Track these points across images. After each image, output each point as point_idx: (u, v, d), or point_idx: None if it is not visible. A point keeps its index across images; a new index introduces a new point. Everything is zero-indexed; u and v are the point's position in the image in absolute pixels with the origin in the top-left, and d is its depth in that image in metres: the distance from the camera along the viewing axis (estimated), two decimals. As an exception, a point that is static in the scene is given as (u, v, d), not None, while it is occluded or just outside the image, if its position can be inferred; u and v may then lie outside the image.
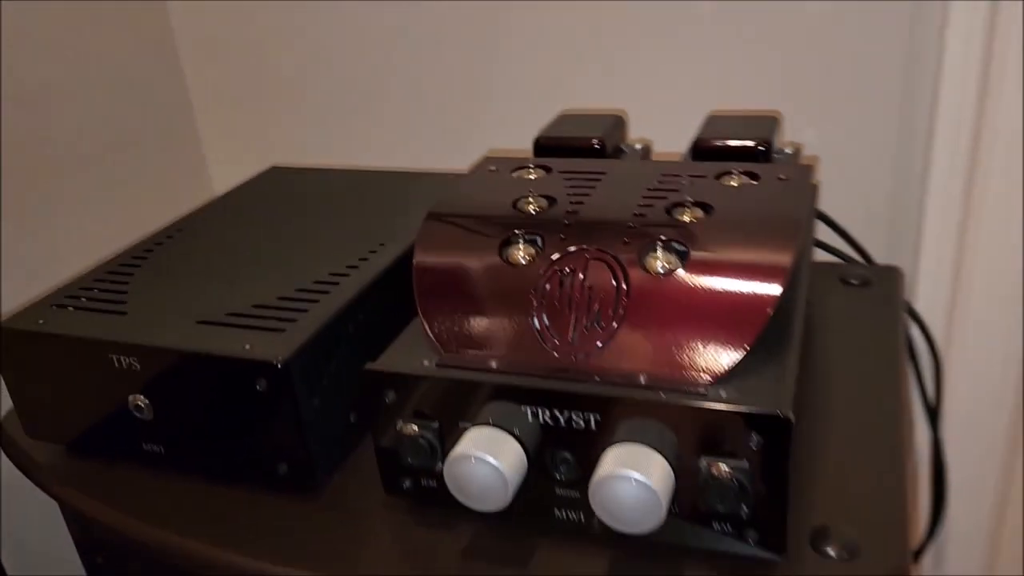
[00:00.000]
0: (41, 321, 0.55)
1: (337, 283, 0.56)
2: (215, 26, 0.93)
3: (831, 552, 0.45)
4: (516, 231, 0.49)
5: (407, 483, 0.49)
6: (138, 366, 0.52)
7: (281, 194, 0.74)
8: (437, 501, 0.49)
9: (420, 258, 0.50)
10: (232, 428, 0.52)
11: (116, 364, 0.52)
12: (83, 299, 0.58)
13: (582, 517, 0.46)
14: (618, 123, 0.63)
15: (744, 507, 0.42)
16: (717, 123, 0.60)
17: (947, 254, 0.73)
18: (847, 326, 0.65)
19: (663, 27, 0.77)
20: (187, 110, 0.98)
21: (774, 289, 0.44)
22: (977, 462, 0.79)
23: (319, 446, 0.52)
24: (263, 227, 0.67)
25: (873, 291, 0.70)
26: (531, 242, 0.48)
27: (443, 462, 0.46)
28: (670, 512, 0.42)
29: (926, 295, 0.75)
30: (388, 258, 0.59)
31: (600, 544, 0.47)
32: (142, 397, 0.53)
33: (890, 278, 0.72)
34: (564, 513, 0.47)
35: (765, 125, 0.58)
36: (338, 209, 0.69)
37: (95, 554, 0.64)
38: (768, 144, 0.55)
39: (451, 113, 0.88)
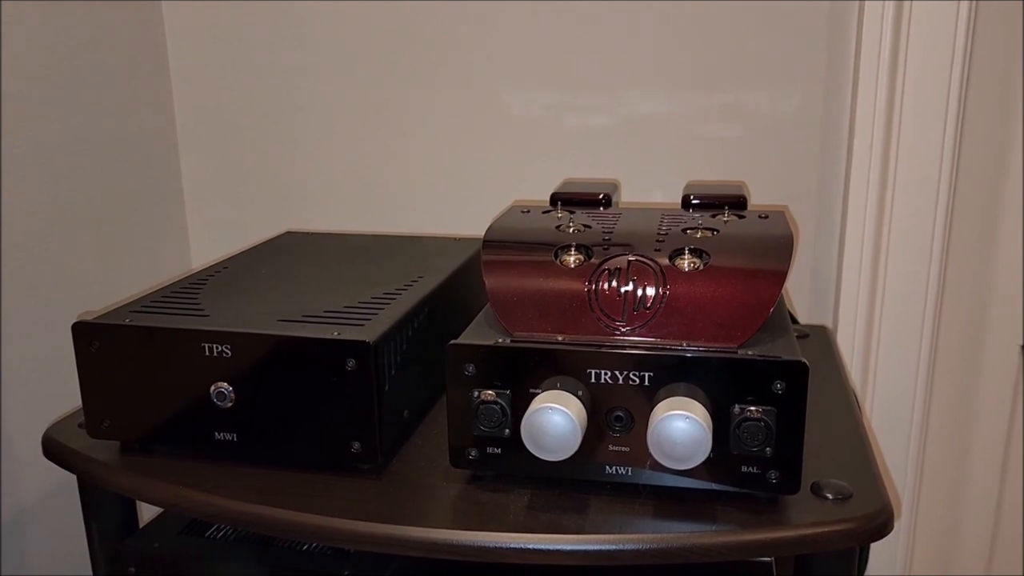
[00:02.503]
0: (128, 320, 0.61)
1: (394, 298, 0.65)
2: (214, 108, 1.04)
3: (829, 496, 0.55)
4: (565, 244, 0.60)
5: (473, 453, 0.57)
6: (229, 353, 0.58)
7: (305, 248, 0.83)
8: (500, 468, 0.57)
9: (488, 257, 0.60)
10: (311, 410, 0.58)
11: (207, 352, 0.58)
12: (159, 307, 0.64)
13: (630, 471, 0.55)
14: (616, 186, 0.77)
15: (768, 449, 0.53)
16: (696, 186, 0.74)
17: (861, 315, 0.90)
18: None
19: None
20: (176, 184, 1.06)
21: (779, 281, 0.56)
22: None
23: (388, 426, 0.59)
24: (301, 265, 0.75)
25: (811, 342, 0.85)
26: (580, 250, 0.60)
27: (511, 428, 0.55)
28: (708, 457, 0.52)
29: (844, 348, 0.91)
30: (432, 283, 0.69)
31: (645, 496, 0.56)
32: (226, 384, 0.59)
33: (822, 334, 0.88)
34: (615, 469, 0.56)
35: (737, 186, 0.73)
36: (363, 258, 0.78)
37: (126, 566, 0.66)
38: (743, 198, 0.70)
39: (431, 189, 1.01)
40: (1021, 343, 0.94)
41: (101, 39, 0.92)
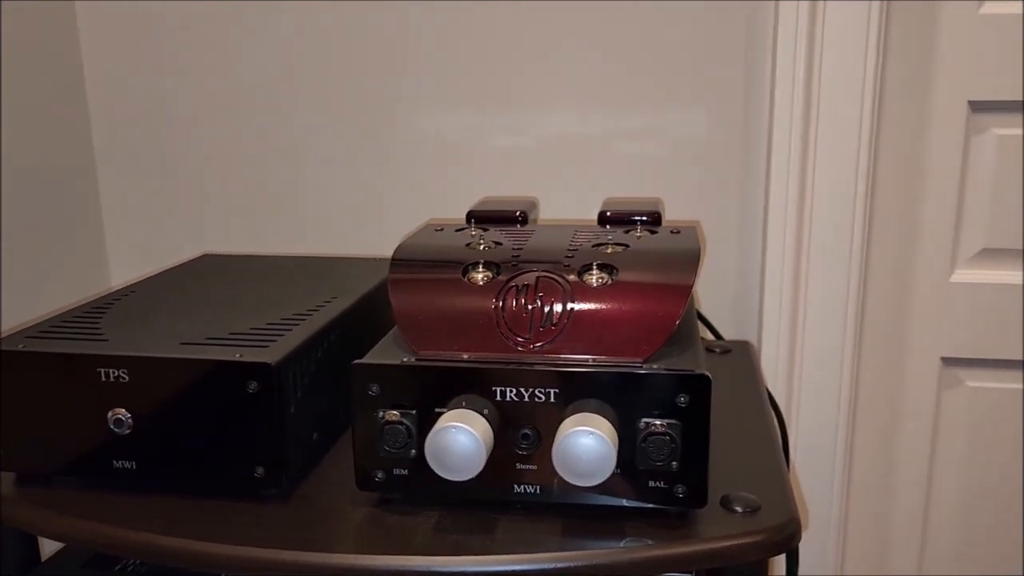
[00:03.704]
0: (21, 345, 0.59)
1: (305, 319, 0.64)
2: (133, 131, 1.02)
3: (738, 509, 0.55)
4: (474, 261, 0.60)
5: (379, 475, 0.56)
6: (126, 377, 0.56)
7: (221, 269, 0.81)
8: (407, 489, 0.56)
9: (395, 276, 0.59)
10: (213, 435, 0.57)
11: (103, 378, 0.57)
12: (57, 332, 0.62)
13: (539, 489, 0.55)
14: (533, 204, 0.77)
15: (674, 463, 0.53)
16: (613, 203, 0.74)
17: (784, 330, 0.91)
18: (719, 379, 0.79)
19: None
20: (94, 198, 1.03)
21: (685, 295, 0.56)
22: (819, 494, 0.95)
23: (294, 449, 0.58)
24: (215, 287, 0.74)
25: (732, 357, 0.85)
26: (488, 267, 0.59)
27: (417, 449, 0.54)
28: (614, 472, 0.51)
29: (768, 363, 0.92)
30: (344, 304, 0.68)
31: (554, 514, 0.55)
32: (123, 411, 0.57)
33: (744, 349, 0.88)
34: (523, 487, 0.55)
35: (652, 202, 0.74)
36: (280, 279, 0.77)
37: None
38: (658, 214, 0.70)
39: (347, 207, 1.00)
40: (941, 355, 0.96)
41: (16, 59, 0.89)
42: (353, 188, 0.99)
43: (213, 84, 0.99)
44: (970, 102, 0.89)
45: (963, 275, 0.94)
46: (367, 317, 0.71)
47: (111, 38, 0.99)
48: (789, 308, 0.90)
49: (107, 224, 1.04)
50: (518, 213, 0.72)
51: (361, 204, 0.99)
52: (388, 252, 0.98)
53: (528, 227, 0.70)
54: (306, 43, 0.96)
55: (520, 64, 0.93)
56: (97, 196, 1.03)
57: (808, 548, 0.95)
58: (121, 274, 1.06)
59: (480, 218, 0.72)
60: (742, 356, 0.86)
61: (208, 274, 0.79)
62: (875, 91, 0.86)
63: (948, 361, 0.96)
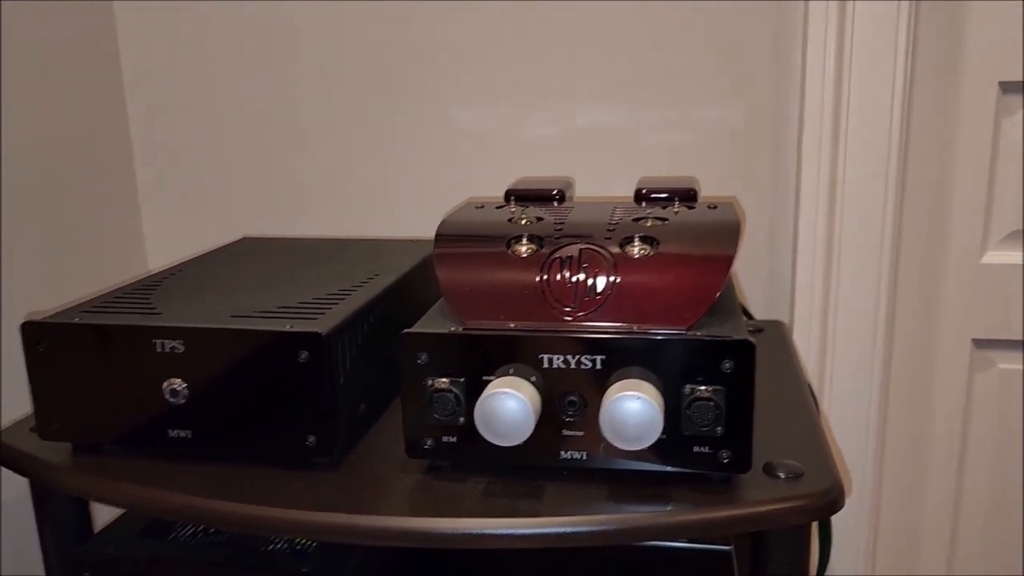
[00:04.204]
0: (77, 318, 0.60)
1: (350, 294, 0.65)
2: (170, 116, 1.03)
3: (781, 475, 0.56)
4: (517, 234, 0.61)
5: (428, 443, 0.57)
6: (181, 348, 0.58)
7: (262, 251, 0.82)
8: (455, 456, 0.57)
9: (440, 250, 0.60)
10: (265, 404, 0.58)
11: (158, 349, 0.58)
12: (110, 307, 0.64)
13: (585, 455, 0.56)
14: (569, 183, 0.78)
15: (719, 428, 0.54)
16: (649, 181, 0.75)
17: (816, 311, 0.92)
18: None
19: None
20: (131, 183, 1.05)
21: (727, 265, 0.57)
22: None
23: (343, 419, 0.59)
24: (259, 267, 0.75)
25: (765, 336, 0.86)
26: (532, 240, 0.60)
27: (465, 416, 0.55)
28: (659, 438, 0.52)
29: (800, 344, 0.92)
30: (388, 280, 0.69)
31: (599, 480, 0.56)
32: (178, 381, 0.58)
33: (777, 328, 0.89)
34: (570, 454, 0.56)
35: (688, 180, 0.74)
36: (321, 259, 0.79)
37: (81, 571, 0.65)
38: (694, 191, 0.71)
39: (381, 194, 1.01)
40: (972, 336, 0.96)
41: (53, 43, 0.91)
42: (387, 177, 1.00)
43: (257, 67, 1.00)
44: (1001, 83, 0.89)
45: (994, 256, 0.94)
46: (409, 294, 0.73)
47: (146, 12, 1.01)
48: (821, 291, 0.91)
49: (144, 211, 1.06)
50: (555, 191, 0.73)
51: (395, 193, 1.01)
52: (424, 237, 1.01)
53: (566, 204, 0.71)
54: (353, 33, 0.97)
55: (554, 56, 0.94)
56: (134, 184, 1.05)
57: (840, 523, 0.96)
58: (157, 262, 1.08)
59: (519, 196, 0.73)
60: (775, 335, 0.87)
61: (249, 255, 0.81)
62: (906, 72, 0.87)
63: (979, 343, 0.96)
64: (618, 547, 0.76)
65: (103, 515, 0.72)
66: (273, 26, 0.99)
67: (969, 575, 1.01)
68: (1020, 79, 0.89)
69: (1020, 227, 0.92)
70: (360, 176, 1.01)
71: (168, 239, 1.07)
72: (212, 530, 0.72)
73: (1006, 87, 0.89)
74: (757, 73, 0.91)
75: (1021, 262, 0.93)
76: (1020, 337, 0.95)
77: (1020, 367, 0.96)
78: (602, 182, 0.96)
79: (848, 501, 0.96)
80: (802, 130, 0.89)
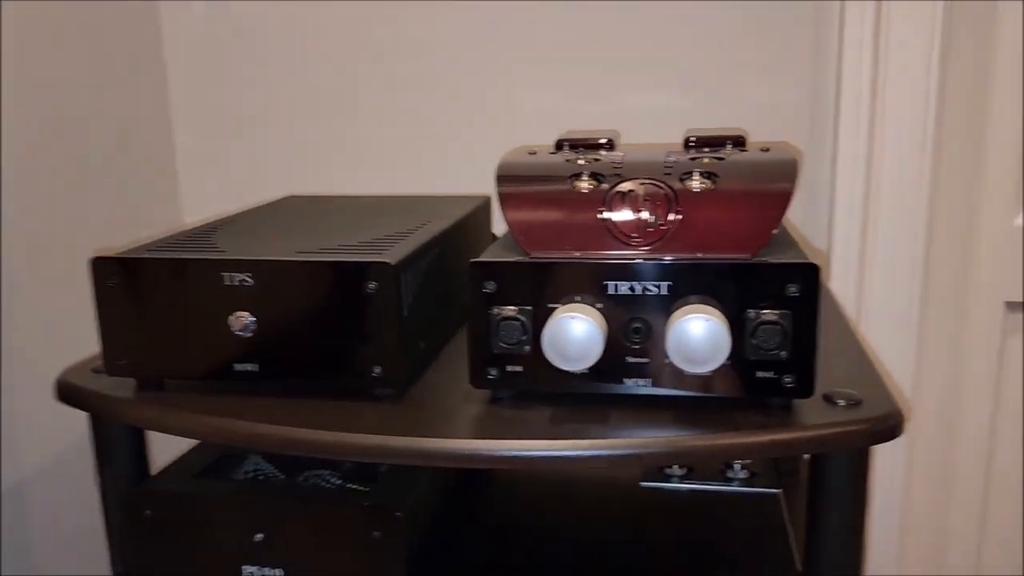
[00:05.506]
0: (146, 253, 0.61)
1: (408, 235, 0.66)
2: (209, 82, 1.05)
3: (840, 402, 0.57)
4: (577, 172, 0.62)
5: (493, 372, 0.58)
6: (250, 281, 0.59)
7: (310, 205, 0.83)
8: (520, 386, 0.58)
9: (503, 187, 0.61)
10: (332, 336, 0.59)
11: (226, 282, 0.59)
12: (174, 246, 0.64)
13: (650, 383, 0.57)
14: (618, 133, 0.79)
15: (784, 352, 0.55)
16: (697, 130, 0.76)
17: (851, 275, 0.93)
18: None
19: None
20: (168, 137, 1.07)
21: (786, 197, 0.58)
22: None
23: (409, 349, 0.60)
24: (310, 217, 0.76)
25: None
26: (593, 177, 0.61)
27: (532, 345, 0.56)
28: (725, 364, 0.53)
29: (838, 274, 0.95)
30: (443, 224, 0.70)
31: (663, 406, 0.57)
32: (246, 314, 0.59)
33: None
34: (634, 381, 0.57)
35: (736, 128, 0.76)
36: (369, 211, 0.80)
37: (142, 508, 0.66)
38: (743, 138, 0.72)
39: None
40: (1005, 299, 0.97)
41: (95, 18, 0.93)
42: (431, 148, 1.02)
43: (304, 43, 1.02)
44: (1035, 45, 0.91)
45: (1028, 218, 0.95)
46: (461, 242, 0.74)
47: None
48: (856, 257, 0.92)
49: (182, 175, 1.07)
50: (605, 140, 0.74)
51: (438, 167, 1.02)
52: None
53: (618, 151, 0.72)
54: (410, 18, 1.00)
55: (603, 41, 0.97)
56: (173, 148, 1.06)
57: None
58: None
59: (571, 144, 0.74)
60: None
61: (298, 209, 0.82)
62: (942, 35, 0.88)
63: (1012, 305, 0.97)
64: (671, 491, 0.77)
65: (158, 461, 0.73)
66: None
67: (999, 530, 1.02)
68: (1054, 43, 0.91)
69: (1054, 188, 0.94)
70: (400, 145, 1.02)
71: (205, 200, 1.09)
72: (269, 474, 0.73)
73: (1041, 48, 0.91)
74: (793, 38, 0.93)
75: (1055, 224, 0.95)
76: (1053, 299, 0.96)
77: (1052, 329, 0.97)
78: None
79: (879, 454, 0.97)
80: (839, 99, 0.90)
